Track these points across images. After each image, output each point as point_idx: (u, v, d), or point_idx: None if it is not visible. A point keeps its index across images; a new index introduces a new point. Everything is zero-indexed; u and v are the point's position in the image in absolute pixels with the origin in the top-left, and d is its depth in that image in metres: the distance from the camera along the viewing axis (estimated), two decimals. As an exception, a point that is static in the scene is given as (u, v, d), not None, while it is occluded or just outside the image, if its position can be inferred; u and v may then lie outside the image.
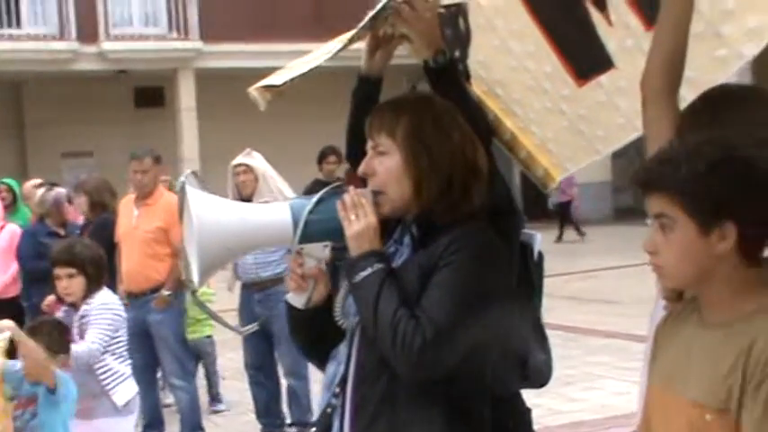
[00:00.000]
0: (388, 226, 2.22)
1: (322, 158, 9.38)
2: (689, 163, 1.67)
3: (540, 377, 2.42)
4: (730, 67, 2.31)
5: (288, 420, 6.57)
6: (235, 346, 8.08)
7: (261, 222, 2.18)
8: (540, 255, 2.45)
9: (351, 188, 2.20)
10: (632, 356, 8.10)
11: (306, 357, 2.54)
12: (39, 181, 8.43)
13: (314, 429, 2.30)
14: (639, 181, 1.73)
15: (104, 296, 4.60)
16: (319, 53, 2.43)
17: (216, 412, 7.42)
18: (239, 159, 6.34)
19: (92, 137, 21.91)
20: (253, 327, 2.76)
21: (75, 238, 5.76)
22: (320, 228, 2.18)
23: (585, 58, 2.36)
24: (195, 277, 2.18)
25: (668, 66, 2.08)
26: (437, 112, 2.22)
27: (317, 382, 7.11)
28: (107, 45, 20.56)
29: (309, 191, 8.11)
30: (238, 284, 6.59)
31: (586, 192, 19.94)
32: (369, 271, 2.11)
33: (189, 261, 2.22)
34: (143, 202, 6.40)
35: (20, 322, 4.46)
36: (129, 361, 4.71)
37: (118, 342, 4.61)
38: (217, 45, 20.84)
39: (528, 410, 2.35)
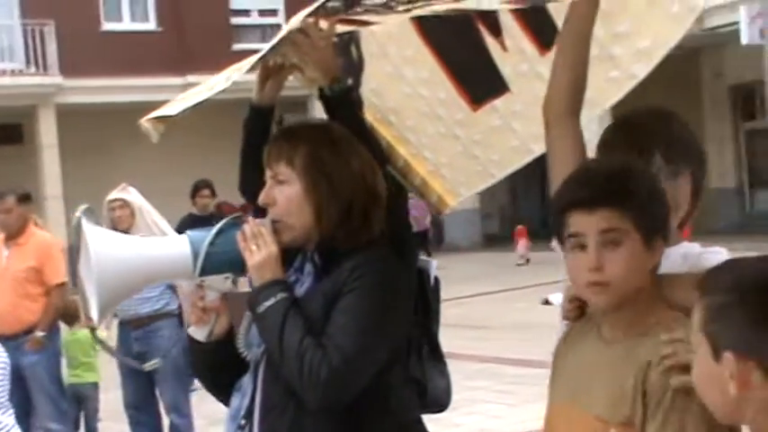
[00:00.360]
0: (288, 255, 2.22)
1: (195, 192, 9.34)
2: (635, 180, 1.76)
3: (439, 402, 2.46)
4: (624, 87, 2.41)
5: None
6: (110, 387, 7.88)
7: (160, 256, 2.17)
8: (437, 280, 2.49)
9: (250, 218, 2.20)
10: (506, 380, 8.31)
11: (209, 391, 2.51)
12: None
13: None
14: (584, 198, 1.76)
15: None
16: (213, 82, 2.42)
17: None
18: (114, 194, 6.23)
19: (-54, 175, 21.06)
20: (156, 362, 2.72)
21: None
22: (221, 259, 2.17)
23: (480, 82, 2.41)
24: (94, 314, 2.15)
25: (571, 89, 2.13)
26: (335, 139, 2.24)
27: (201, 417, 7.05)
28: (-39, 81, 19.86)
29: (183, 224, 8.06)
30: (115, 322, 6.45)
31: (456, 219, 20.26)
32: (272, 301, 2.11)
33: (87, 297, 2.19)
34: (13, 242, 6.21)
35: None
36: (12, 411, 4.54)
37: (3, 393, 4.44)
38: (77, 80, 20.37)
39: None
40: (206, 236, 2.17)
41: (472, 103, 2.45)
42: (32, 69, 20.62)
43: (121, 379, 6.42)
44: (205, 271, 2.16)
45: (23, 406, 6.08)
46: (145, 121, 2.44)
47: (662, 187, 1.83)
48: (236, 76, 2.22)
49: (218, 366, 2.32)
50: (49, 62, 20.59)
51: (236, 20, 22.83)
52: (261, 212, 2.29)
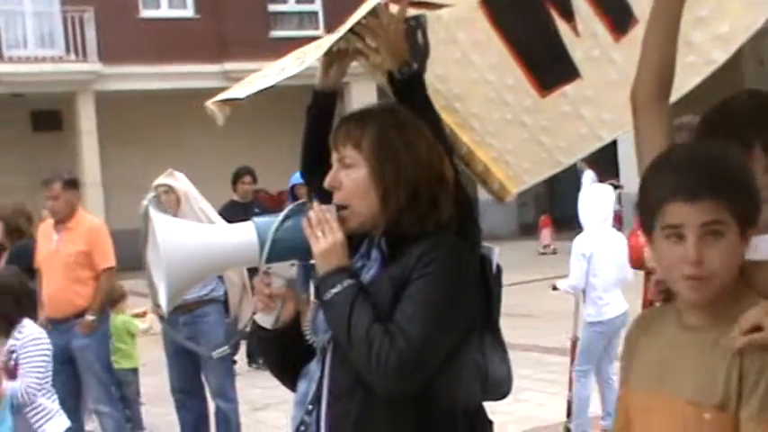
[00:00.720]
0: (353, 241, 2.22)
1: (237, 179, 9.37)
2: (737, 169, 1.74)
3: (500, 389, 2.44)
4: (702, 73, 2.38)
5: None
6: (150, 371, 7.97)
7: (227, 244, 2.18)
8: (499, 268, 2.48)
9: (315, 204, 2.20)
10: (547, 368, 8.27)
11: (276, 377, 2.53)
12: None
13: None
14: (685, 188, 1.71)
15: (32, 330, 4.48)
16: (281, 64, 2.41)
17: (138, 440, 7.31)
18: (161, 180, 6.25)
19: (-13, 161, 21.32)
20: (224, 350, 2.74)
21: None
22: (287, 246, 2.17)
23: (550, 68, 2.39)
24: (163, 302, 2.17)
25: (659, 74, 2.09)
26: (402, 123, 2.23)
27: (245, 403, 7.09)
28: (2, 68, 20.02)
29: (225, 211, 8.08)
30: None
31: (494, 207, 20.18)
32: (339, 288, 2.11)
33: (155, 285, 2.21)
34: (63, 226, 6.27)
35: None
36: (55, 396, 4.61)
37: (47, 377, 4.51)
38: (116, 67, 20.51)
39: (490, 423, 2.38)
40: (271, 223, 2.17)
41: (541, 90, 2.43)
42: (72, 56, 20.77)
43: (168, 363, 6.47)
44: (271, 258, 2.17)
45: (72, 388, 6.18)
46: (211, 104, 2.46)
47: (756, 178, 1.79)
48: (310, 61, 2.22)
49: (285, 353, 2.33)
50: (89, 49, 20.73)
51: (273, 7, 22.85)
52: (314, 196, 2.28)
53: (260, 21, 22.23)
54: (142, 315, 7.71)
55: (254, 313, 2.32)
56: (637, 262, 4.63)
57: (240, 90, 2.39)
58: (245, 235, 2.17)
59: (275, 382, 2.40)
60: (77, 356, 6.17)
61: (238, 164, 10.09)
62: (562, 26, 2.33)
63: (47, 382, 4.51)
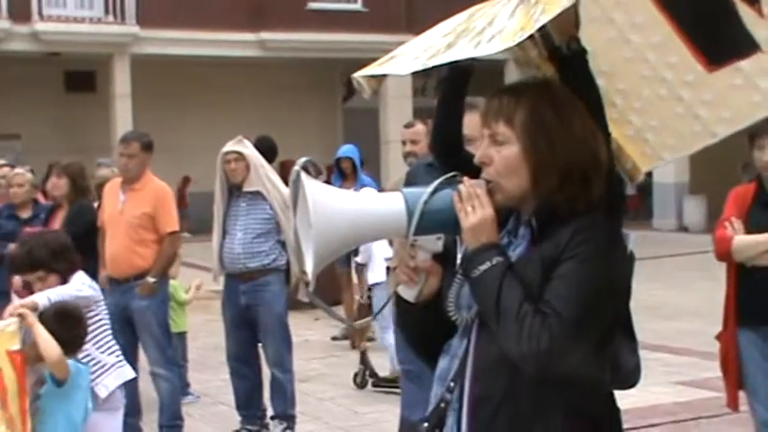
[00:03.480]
0: (499, 217, 2.16)
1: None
2: None
3: (629, 379, 2.38)
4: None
5: (269, 413, 6.49)
6: (190, 338, 7.98)
7: (376, 212, 2.14)
8: (632, 255, 2.43)
9: (465, 179, 2.15)
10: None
11: (415, 352, 2.48)
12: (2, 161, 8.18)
13: (426, 425, 2.24)
14: None
15: (78, 279, 4.43)
16: (427, 44, 2.34)
17: (184, 404, 7.29)
18: (230, 146, 6.24)
19: (19, 119, 21.34)
20: (368, 320, 2.70)
21: (28, 236, 4.97)
22: (435, 219, 2.13)
23: (722, 44, 2.33)
24: (309, 267, 2.13)
25: None
26: (558, 100, 2.16)
27: (305, 381, 7.05)
28: (40, 26, 20.03)
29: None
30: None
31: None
32: (488, 265, 2.06)
33: (302, 251, 2.17)
34: (129, 187, 6.24)
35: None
36: (116, 350, 4.57)
37: (100, 331, 4.46)
38: (154, 31, 20.49)
39: (618, 410, 2.34)
40: (421, 194, 2.13)
41: (709, 65, 2.37)
42: (110, 18, 20.74)
43: (225, 331, 6.48)
44: (418, 230, 2.12)
45: (130, 349, 6.15)
46: (359, 76, 2.41)
47: None
48: (460, 54, 2.13)
49: (426, 327, 2.29)
50: (127, 12, 20.70)
51: (312, -22, 22.79)
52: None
53: (298, -8, 22.18)
54: (197, 287, 7.75)
55: (396, 285, 2.28)
56: (723, 254, 4.57)
57: (395, 66, 2.33)
58: (394, 204, 2.13)
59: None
60: (136, 318, 6.16)
61: (273, 134, 9.84)
62: (742, 8, 2.27)
63: (102, 336, 4.46)
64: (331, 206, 2.10)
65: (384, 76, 2.42)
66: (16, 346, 3.92)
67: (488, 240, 2.10)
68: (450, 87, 2.84)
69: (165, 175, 6.76)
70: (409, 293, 2.25)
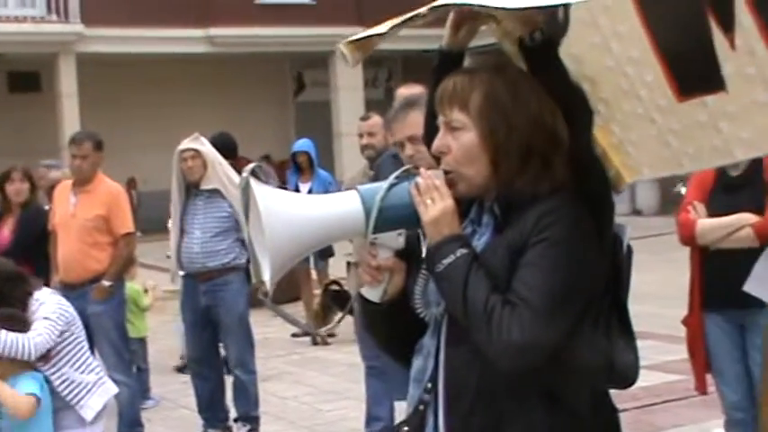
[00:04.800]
0: (460, 206, 2.09)
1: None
2: None
3: (626, 377, 2.29)
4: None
5: (232, 415, 6.39)
6: (149, 341, 7.85)
7: (331, 215, 2.07)
8: (630, 248, 2.36)
9: (422, 170, 2.08)
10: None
11: (386, 353, 2.42)
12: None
13: (406, 428, 2.17)
14: None
15: (44, 296, 4.30)
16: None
17: (144, 408, 7.17)
18: (187, 144, 6.11)
19: (-38, 122, 20.95)
20: (331, 327, 2.63)
21: None
22: (393, 215, 2.06)
23: (693, 74, 2.26)
24: (266, 277, 2.05)
25: None
26: (512, 79, 2.10)
27: (266, 380, 6.96)
28: (-19, 27, 19.65)
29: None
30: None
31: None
32: (452, 258, 1.99)
33: (258, 260, 2.09)
34: (81, 189, 6.10)
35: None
36: (95, 367, 4.45)
37: (76, 350, 4.33)
38: (99, 29, 20.17)
39: (616, 410, 2.27)
40: (377, 191, 2.06)
41: (679, 94, 2.31)
42: (54, 17, 20.39)
43: (185, 332, 6.39)
44: (378, 228, 2.06)
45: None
46: (343, 45, 2.31)
47: None
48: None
49: (394, 327, 2.22)
50: (71, 10, 20.36)
51: (260, -27, 22.61)
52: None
53: (246, -14, 21.99)
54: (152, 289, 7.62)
55: (359, 286, 2.20)
56: (686, 238, 4.56)
57: (375, 29, 2.24)
58: (349, 204, 2.06)
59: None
60: (92, 323, 5.98)
61: (216, 129, 9.69)
62: (718, 37, 2.20)
63: (78, 356, 4.34)
64: (284, 213, 2.03)
65: (370, 43, 2.32)
66: None
67: (451, 232, 2.03)
68: (443, 73, 2.77)
69: (115, 176, 6.62)
70: (373, 294, 2.18)
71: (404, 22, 2.14)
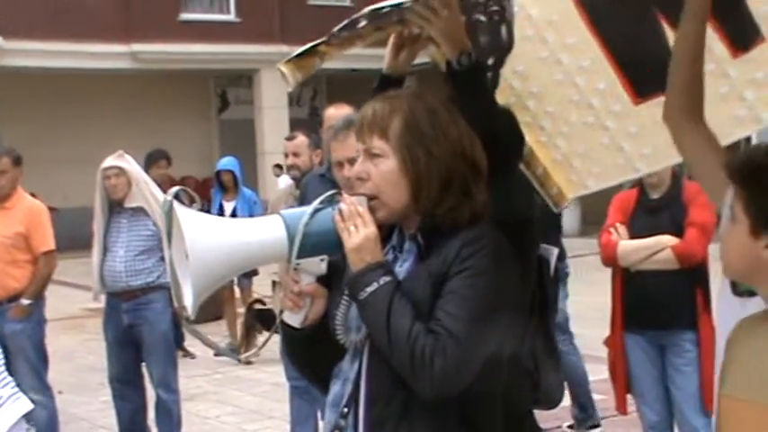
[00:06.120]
0: (381, 231, 2.11)
1: (151, 163, 8.73)
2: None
3: (551, 397, 2.36)
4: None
5: (154, 435, 6.29)
6: (62, 359, 7.68)
7: (255, 241, 2.07)
8: (557, 269, 2.39)
9: (346, 197, 2.09)
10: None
11: (306, 378, 2.43)
12: None
13: None
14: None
15: None
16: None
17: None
18: (110, 161, 6.01)
19: None
20: (254, 352, 2.62)
21: None
22: (317, 242, 2.07)
23: (649, 76, 2.30)
24: (188, 302, 2.05)
25: (687, 95, 2.11)
26: (431, 108, 2.10)
27: (189, 400, 6.85)
28: None
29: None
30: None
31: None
32: (375, 286, 2.00)
33: (180, 284, 2.09)
34: (0, 206, 5.96)
35: None
36: (9, 382, 4.34)
37: None
38: (19, 42, 19.71)
39: (540, 430, 2.31)
40: (301, 216, 2.07)
41: (635, 96, 2.35)
42: (-30, 29, 19.92)
43: (107, 352, 6.24)
44: (301, 254, 2.06)
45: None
46: (283, 65, 2.31)
47: None
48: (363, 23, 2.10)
49: (314, 352, 2.22)
50: (-11, 23, 19.90)
51: (183, -11, 22.44)
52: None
53: (169, 2, 21.79)
54: None
55: (281, 312, 2.20)
56: (608, 260, 4.65)
57: (312, 43, 2.25)
58: (273, 230, 2.06)
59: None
60: (9, 342, 5.85)
61: (147, 147, 9.55)
62: (672, 36, 2.25)
63: None
64: (208, 238, 2.02)
65: (310, 64, 2.32)
66: None
67: (373, 260, 2.04)
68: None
69: (38, 191, 6.48)
70: (294, 319, 2.18)
71: (347, 40, 2.16)
